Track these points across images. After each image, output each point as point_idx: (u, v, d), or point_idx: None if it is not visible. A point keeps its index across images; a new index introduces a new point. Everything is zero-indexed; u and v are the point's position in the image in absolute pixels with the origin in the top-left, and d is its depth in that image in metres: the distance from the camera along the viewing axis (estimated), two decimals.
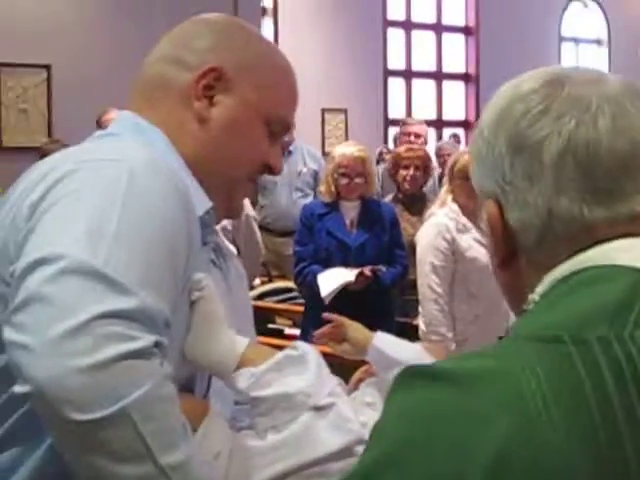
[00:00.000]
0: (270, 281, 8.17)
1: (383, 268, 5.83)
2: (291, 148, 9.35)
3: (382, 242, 5.96)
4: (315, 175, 9.07)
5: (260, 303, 6.68)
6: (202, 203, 1.76)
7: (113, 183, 1.53)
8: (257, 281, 7.47)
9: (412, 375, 1.22)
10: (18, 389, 1.39)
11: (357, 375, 2.12)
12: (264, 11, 11.69)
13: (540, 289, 1.30)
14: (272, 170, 1.89)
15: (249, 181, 1.88)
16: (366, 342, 2.23)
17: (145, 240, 1.50)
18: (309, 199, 8.48)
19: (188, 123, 1.79)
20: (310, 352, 1.67)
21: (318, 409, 1.61)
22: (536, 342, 1.18)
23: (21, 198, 1.57)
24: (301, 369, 1.63)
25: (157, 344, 1.43)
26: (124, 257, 1.45)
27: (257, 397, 1.61)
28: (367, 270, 5.78)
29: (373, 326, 5.72)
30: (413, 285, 5.54)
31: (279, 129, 1.87)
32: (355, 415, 1.64)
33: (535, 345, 1.18)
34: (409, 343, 2.10)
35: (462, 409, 1.15)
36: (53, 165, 1.59)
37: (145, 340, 1.40)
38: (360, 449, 1.58)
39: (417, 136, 8.89)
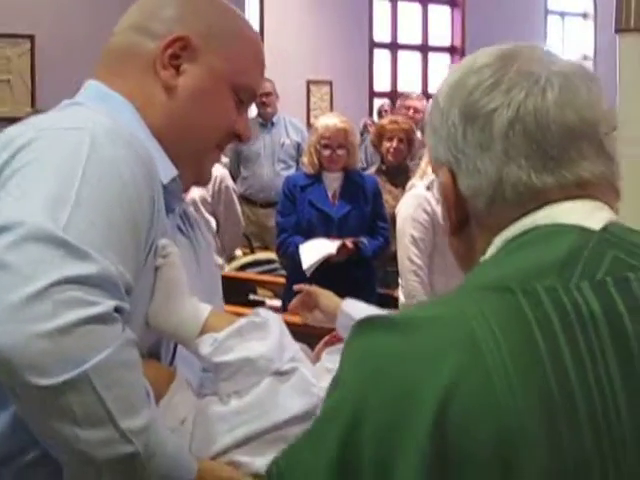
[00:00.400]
0: (252, 252, 8.20)
1: (365, 240, 5.86)
2: (274, 120, 9.38)
3: (364, 214, 5.99)
4: (298, 147, 9.09)
5: (242, 274, 6.69)
6: (168, 171, 1.76)
7: (74, 151, 1.54)
8: (239, 252, 7.49)
9: (368, 324, 1.29)
10: None
11: (319, 346, 2.11)
12: None
13: (491, 250, 1.35)
14: (240, 138, 1.89)
15: (217, 149, 1.88)
16: (336, 309, 2.25)
17: (106, 206, 1.51)
18: (292, 171, 8.52)
19: (155, 92, 1.78)
20: (272, 318, 1.69)
21: (280, 374, 1.63)
22: (486, 291, 1.25)
23: None
24: (263, 334, 1.64)
25: (118, 309, 1.44)
26: (85, 223, 1.46)
27: (220, 362, 1.62)
28: (349, 242, 5.83)
29: (354, 298, 5.74)
30: (394, 257, 5.50)
31: (247, 97, 1.86)
32: (317, 380, 1.66)
33: (485, 293, 1.25)
34: (378, 309, 2.10)
35: (415, 349, 1.21)
36: (18, 133, 1.60)
37: (105, 305, 1.41)
38: None
39: (416, 111, 8.89)
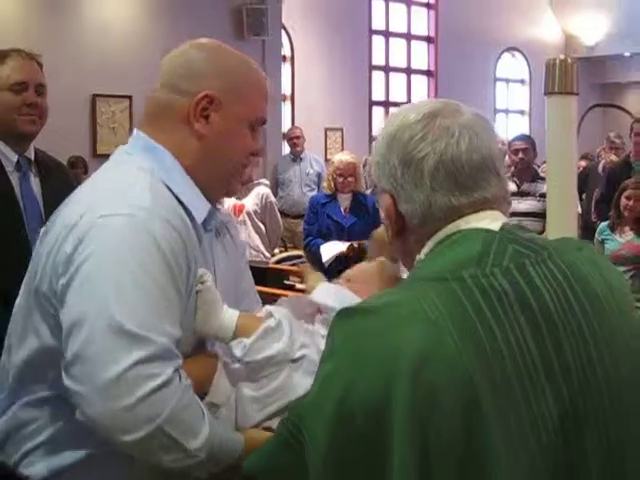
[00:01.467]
0: (286, 250, 8.20)
1: (366, 243, 5.87)
2: (302, 156, 9.40)
3: (367, 223, 6.00)
4: (319, 175, 9.11)
5: (279, 266, 6.70)
6: (201, 210, 1.69)
7: (123, 240, 1.49)
8: (277, 250, 7.48)
9: (347, 312, 1.30)
10: (79, 416, 1.42)
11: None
12: (284, 58, 11.66)
13: (425, 250, 1.39)
14: (257, 154, 1.79)
15: (243, 168, 1.78)
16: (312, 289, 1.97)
17: (156, 284, 1.48)
18: (314, 192, 8.52)
19: (189, 140, 1.68)
20: (283, 318, 1.66)
21: (294, 361, 1.62)
22: (428, 281, 1.28)
23: (59, 240, 1.55)
24: (278, 335, 1.63)
25: (175, 368, 1.45)
26: (141, 307, 1.44)
27: (250, 361, 1.61)
28: (355, 243, 5.87)
29: None
30: None
31: (258, 124, 1.76)
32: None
33: (428, 283, 1.28)
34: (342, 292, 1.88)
35: (387, 326, 1.23)
36: (76, 218, 1.54)
37: (166, 374, 1.42)
38: None
39: None
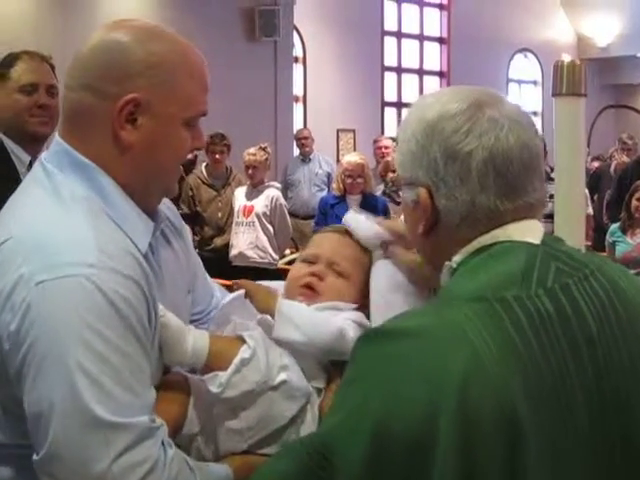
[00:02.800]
0: (297, 251, 8.18)
1: None
2: (310, 157, 9.38)
3: None
4: (328, 176, 9.07)
5: (289, 267, 6.68)
6: (144, 237, 1.46)
7: (74, 312, 1.27)
8: (287, 251, 7.47)
9: (373, 335, 1.24)
10: None
11: None
12: (296, 59, 11.65)
13: (457, 258, 1.30)
14: (198, 148, 1.57)
15: (180, 166, 1.56)
16: (270, 310, 1.65)
17: (123, 355, 1.29)
18: (324, 193, 8.50)
19: (117, 151, 1.44)
20: (257, 343, 1.54)
21: (274, 388, 1.52)
22: (467, 301, 1.20)
23: None
24: (254, 365, 1.51)
25: (159, 443, 1.31)
26: (114, 389, 1.27)
27: (227, 398, 1.50)
28: None
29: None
30: None
31: (197, 119, 1.51)
32: (302, 379, 1.55)
33: (467, 303, 1.20)
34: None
35: (426, 350, 1.16)
36: (10, 277, 1.30)
37: (152, 456, 1.29)
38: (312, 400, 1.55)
39: (386, 148, 8.91)
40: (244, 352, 1.52)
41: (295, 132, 10.10)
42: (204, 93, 1.51)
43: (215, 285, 1.85)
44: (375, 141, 9.55)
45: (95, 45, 1.46)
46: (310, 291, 1.68)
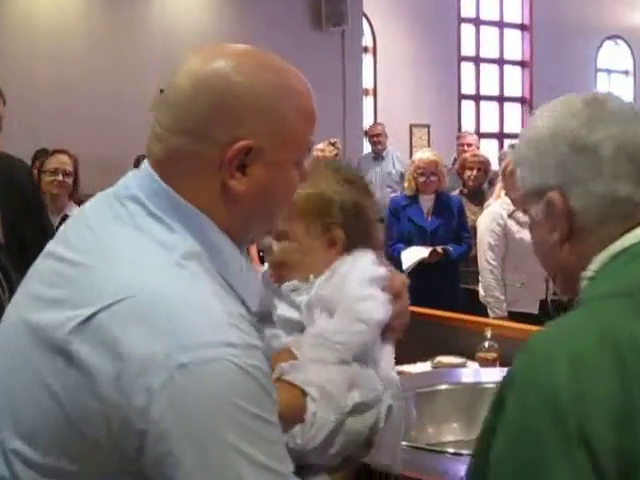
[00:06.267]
0: None
1: (450, 247, 5.81)
2: (383, 154, 9.29)
3: (451, 226, 5.94)
4: (401, 175, 8.98)
5: None
6: (256, 285, 1.45)
7: (229, 399, 1.23)
8: None
9: (526, 350, 1.22)
10: None
11: None
12: (366, 49, 11.59)
13: (593, 267, 1.28)
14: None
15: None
16: None
17: (272, 428, 1.28)
18: (397, 193, 8.43)
19: (225, 199, 1.38)
20: (321, 392, 1.62)
21: (350, 413, 1.64)
22: (612, 297, 1.22)
23: (119, 378, 1.21)
24: (323, 414, 1.62)
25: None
26: (270, 464, 1.25)
27: (313, 447, 1.60)
28: (439, 248, 5.78)
29: (442, 291, 5.63)
30: (473, 259, 5.58)
31: (306, 156, 1.47)
32: (370, 380, 1.68)
33: (612, 299, 1.21)
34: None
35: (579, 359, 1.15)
36: (143, 343, 1.21)
37: None
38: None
39: (469, 145, 8.79)
40: (310, 406, 1.60)
41: (367, 128, 10.03)
42: (312, 125, 1.45)
43: None
44: (458, 137, 9.42)
45: (196, 81, 1.37)
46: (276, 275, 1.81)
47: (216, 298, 1.28)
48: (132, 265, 1.28)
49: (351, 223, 1.82)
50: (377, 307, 1.71)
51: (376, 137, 9.35)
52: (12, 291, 1.40)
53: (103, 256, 1.31)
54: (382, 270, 1.78)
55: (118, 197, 1.38)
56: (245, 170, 1.36)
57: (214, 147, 1.35)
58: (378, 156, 9.31)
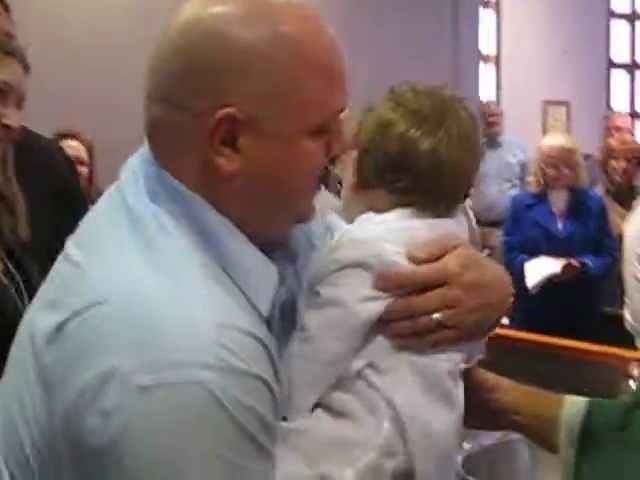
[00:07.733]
0: None
1: (589, 261, 5.73)
2: (500, 140, 9.26)
3: (589, 232, 5.87)
4: (522, 166, 8.94)
5: None
6: (266, 299, 1.43)
7: (192, 432, 1.26)
8: None
9: None
10: None
11: None
12: (486, 3, 11.60)
13: None
14: (333, 158, 1.49)
15: (316, 189, 1.51)
16: None
17: (247, 475, 1.32)
18: (516, 190, 8.41)
19: (219, 183, 1.39)
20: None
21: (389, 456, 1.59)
22: None
23: (82, 397, 1.27)
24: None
25: None
26: None
27: None
28: (575, 262, 5.69)
29: (577, 318, 5.55)
30: (618, 276, 5.35)
31: (330, 123, 1.44)
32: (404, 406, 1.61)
33: None
34: None
35: None
36: (105, 358, 1.26)
37: None
38: None
39: (618, 129, 8.68)
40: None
41: (480, 105, 10.03)
42: (335, 83, 1.44)
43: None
44: (605, 118, 9.36)
45: (174, 38, 1.40)
46: None
47: (207, 305, 1.31)
48: (113, 266, 1.35)
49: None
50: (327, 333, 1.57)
51: (492, 117, 9.35)
52: (32, 298, 1.49)
53: (89, 254, 1.40)
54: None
55: (118, 188, 1.47)
56: (236, 145, 1.37)
57: (195, 118, 1.37)
58: (493, 142, 9.30)
